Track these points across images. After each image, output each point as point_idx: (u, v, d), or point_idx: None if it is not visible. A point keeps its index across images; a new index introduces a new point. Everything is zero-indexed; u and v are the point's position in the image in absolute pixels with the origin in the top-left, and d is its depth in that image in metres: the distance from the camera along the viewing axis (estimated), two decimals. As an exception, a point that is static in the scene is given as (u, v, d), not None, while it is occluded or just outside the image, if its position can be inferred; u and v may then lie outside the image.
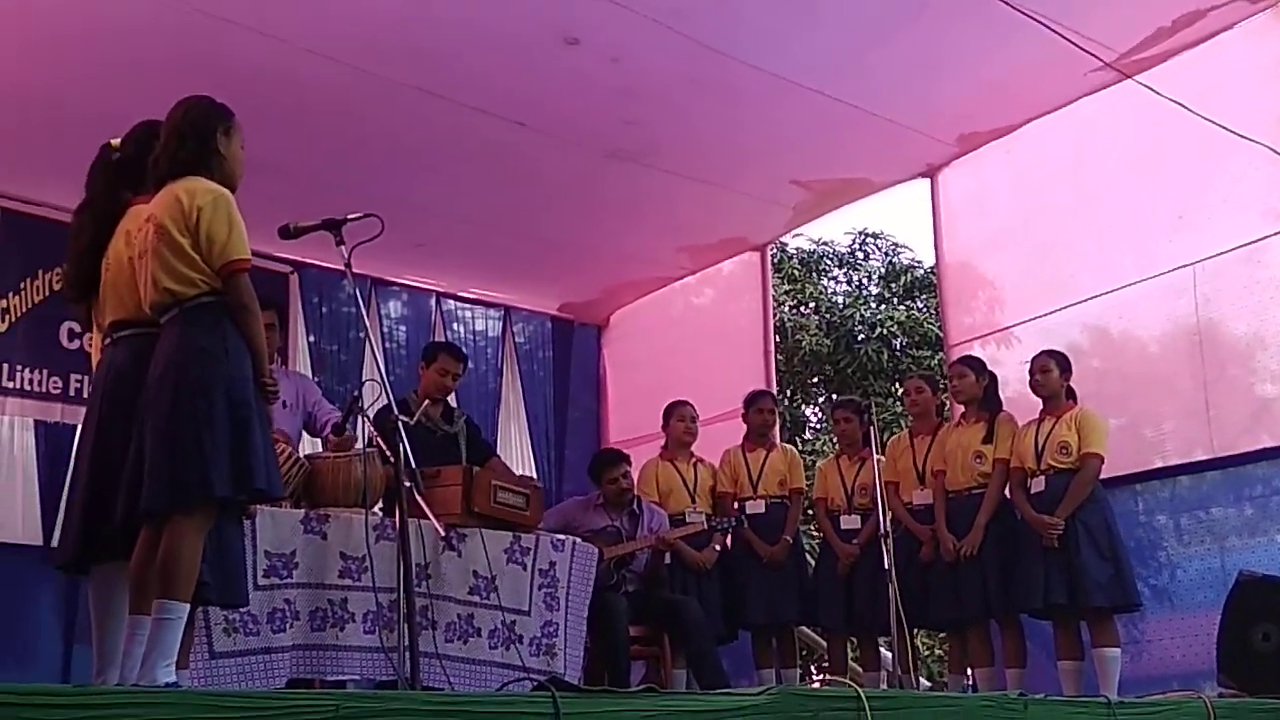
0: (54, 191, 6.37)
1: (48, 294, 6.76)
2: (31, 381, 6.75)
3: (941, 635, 7.26)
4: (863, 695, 3.15)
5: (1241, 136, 5.77)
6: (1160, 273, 6.42)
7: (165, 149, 3.56)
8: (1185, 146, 6.26)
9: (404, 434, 4.00)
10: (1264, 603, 5.08)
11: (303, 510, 4.69)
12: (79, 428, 3.89)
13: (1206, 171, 6.29)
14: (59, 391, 6.80)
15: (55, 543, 4.98)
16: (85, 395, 6.14)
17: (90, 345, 4.10)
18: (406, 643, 3.81)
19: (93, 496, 3.42)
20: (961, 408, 6.36)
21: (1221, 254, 6.18)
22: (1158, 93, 5.90)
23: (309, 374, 7.80)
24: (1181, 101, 5.81)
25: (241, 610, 4.23)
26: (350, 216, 4.05)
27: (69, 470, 4.31)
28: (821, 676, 8.70)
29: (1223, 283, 6.20)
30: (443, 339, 8.37)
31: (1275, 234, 6.01)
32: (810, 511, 6.73)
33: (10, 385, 6.69)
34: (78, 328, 6.68)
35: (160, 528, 3.28)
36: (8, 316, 6.74)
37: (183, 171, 3.51)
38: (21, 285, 6.80)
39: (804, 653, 9.40)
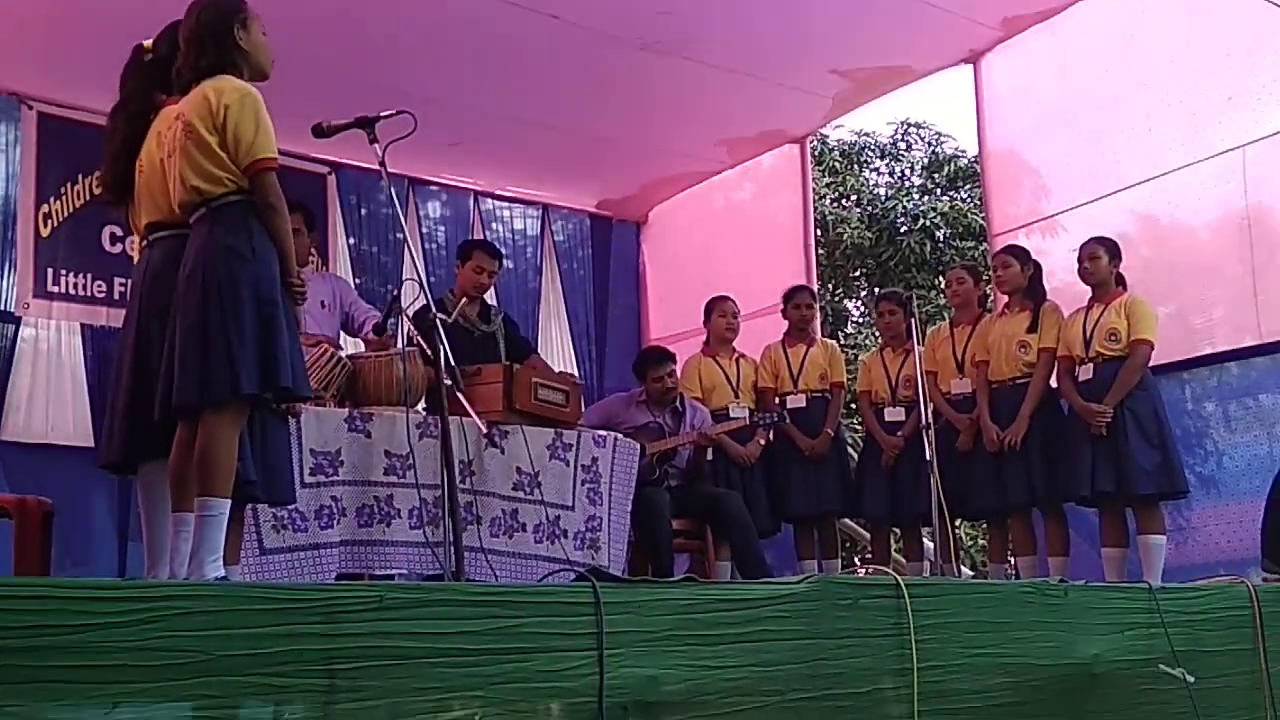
0: (91, 95, 6.34)
1: (88, 198, 6.78)
2: (76, 285, 6.81)
3: (984, 526, 7.25)
4: (902, 583, 3.16)
5: (1295, 11, 5.59)
6: (1209, 156, 6.28)
7: (185, 58, 3.53)
8: (1235, 26, 6.09)
9: (442, 333, 4.00)
10: (1310, 489, 5.04)
11: (346, 409, 4.74)
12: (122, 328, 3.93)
13: (1257, 51, 6.11)
14: (103, 295, 6.86)
15: (105, 443, 5.06)
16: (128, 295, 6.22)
17: (133, 248, 4.13)
18: (451, 538, 3.86)
19: (134, 397, 3.46)
20: (1005, 298, 6.29)
21: (1272, 135, 6.03)
22: (1209, -32, 5.71)
23: (349, 276, 7.84)
24: (1233, -23, 5.62)
25: (289, 507, 4.31)
26: (383, 114, 4.01)
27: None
28: (865, 567, 8.75)
29: (1273, 166, 6.06)
30: (481, 237, 8.36)
31: (1329, 114, 5.85)
32: (853, 404, 6.71)
33: (55, 290, 6.75)
34: (120, 231, 6.72)
35: (195, 426, 3.32)
36: (50, 221, 6.78)
37: (206, 75, 3.49)
38: (62, 190, 6.82)
39: (846, 544, 9.48)
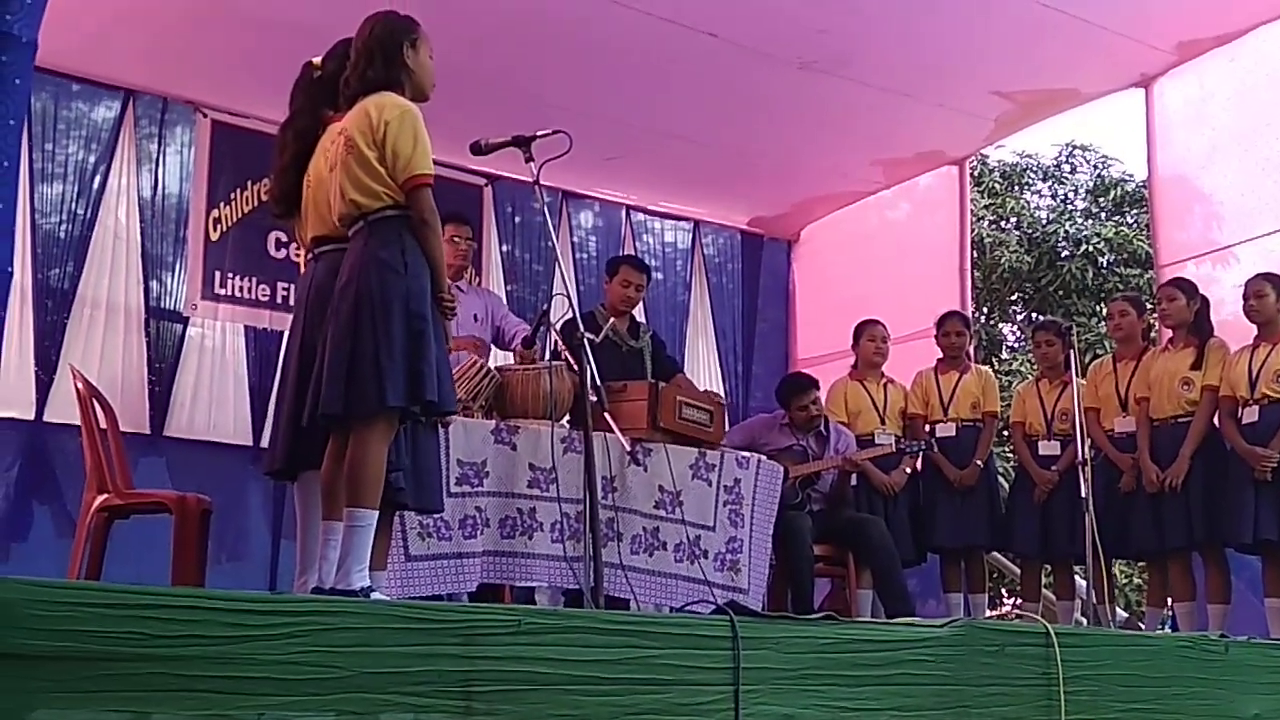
0: (262, 105, 6.60)
1: (256, 204, 7.00)
2: (241, 289, 7.03)
3: (1140, 565, 7.00)
4: (1052, 631, 3.06)
5: None
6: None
7: (354, 69, 3.62)
8: None
9: (589, 349, 4.02)
10: None
11: (494, 421, 4.79)
12: (284, 339, 4.03)
13: None
14: (267, 299, 7.08)
15: (264, 443, 5.21)
16: (291, 303, 6.40)
17: (298, 256, 4.24)
18: (591, 554, 3.87)
19: (296, 407, 3.54)
20: (1170, 331, 6.06)
21: None
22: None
23: (502, 283, 7.97)
24: None
25: (436, 516, 4.36)
26: (539, 134, 4.06)
27: (276, 377, 4.49)
28: (1014, 601, 8.53)
29: None
30: (632, 251, 8.39)
31: None
32: (1006, 434, 6.54)
33: (222, 292, 6.98)
34: (285, 237, 6.93)
35: (346, 437, 3.38)
36: (219, 226, 7.03)
37: (373, 89, 3.56)
38: (232, 195, 7.07)
39: (994, 576, 9.24)
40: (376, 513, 3.36)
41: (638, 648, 2.48)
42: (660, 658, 2.50)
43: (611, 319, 5.79)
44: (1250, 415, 5.47)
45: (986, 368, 6.93)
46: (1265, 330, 5.55)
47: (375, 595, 3.23)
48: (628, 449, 4.72)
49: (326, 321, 3.49)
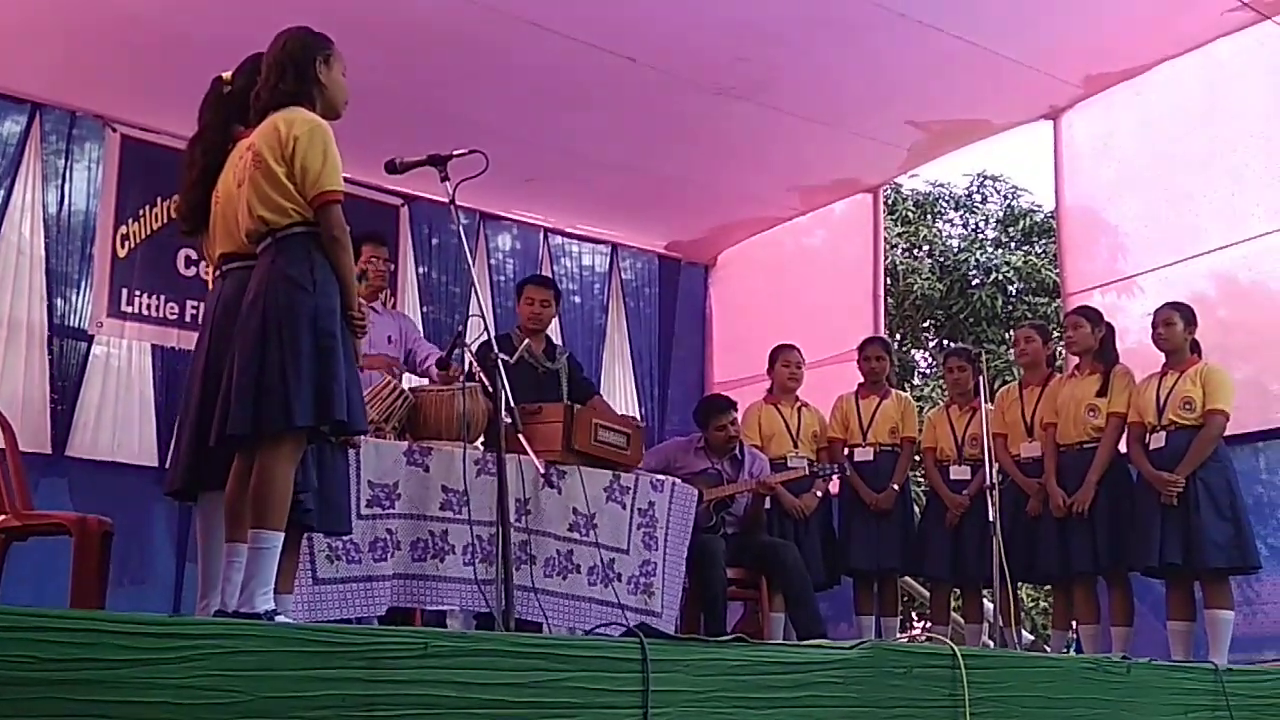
0: (172, 120, 6.46)
1: (166, 221, 6.89)
2: (149, 307, 6.91)
3: (1046, 588, 7.12)
4: (959, 653, 3.08)
5: (1389, 81, 5.46)
6: (1293, 223, 6.14)
7: (265, 83, 3.57)
8: (1325, 91, 5.95)
9: (503, 371, 4.00)
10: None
11: (406, 442, 4.74)
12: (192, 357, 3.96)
13: (1348, 118, 5.98)
14: (175, 317, 6.96)
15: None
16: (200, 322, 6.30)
17: (208, 274, 4.17)
18: (502, 577, 3.83)
19: (199, 426, 3.48)
20: (1076, 359, 6.18)
21: (1360, 205, 5.90)
22: (1300, 33, 5.60)
23: (418, 305, 7.91)
24: (1324, 43, 5.51)
25: (345, 538, 4.30)
26: (455, 153, 4.03)
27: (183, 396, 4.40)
28: (924, 624, 8.62)
29: (1360, 235, 5.92)
30: (550, 274, 8.39)
31: None
32: (918, 459, 6.63)
33: (129, 310, 6.86)
34: (194, 255, 6.83)
35: (252, 457, 3.32)
36: (127, 243, 6.90)
37: (284, 103, 3.52)
38: (141, 212, 6.95)
39: (905, 599, 9.33)
40: (282, 535, 3.30)
41: (546, 670, 2.45)
42: (569, 680, 2.48)
43: (526, 340, 5.77)
44: (1157, 441, 5.58)
45: (906, 394, 7.00)
46: (1173, 359, 5.67)
47: (280, 619, 3.17)
48: (541, 471, 4.71)
49: (233, 339, 3.43)
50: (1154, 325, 5.72)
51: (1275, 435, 6.17)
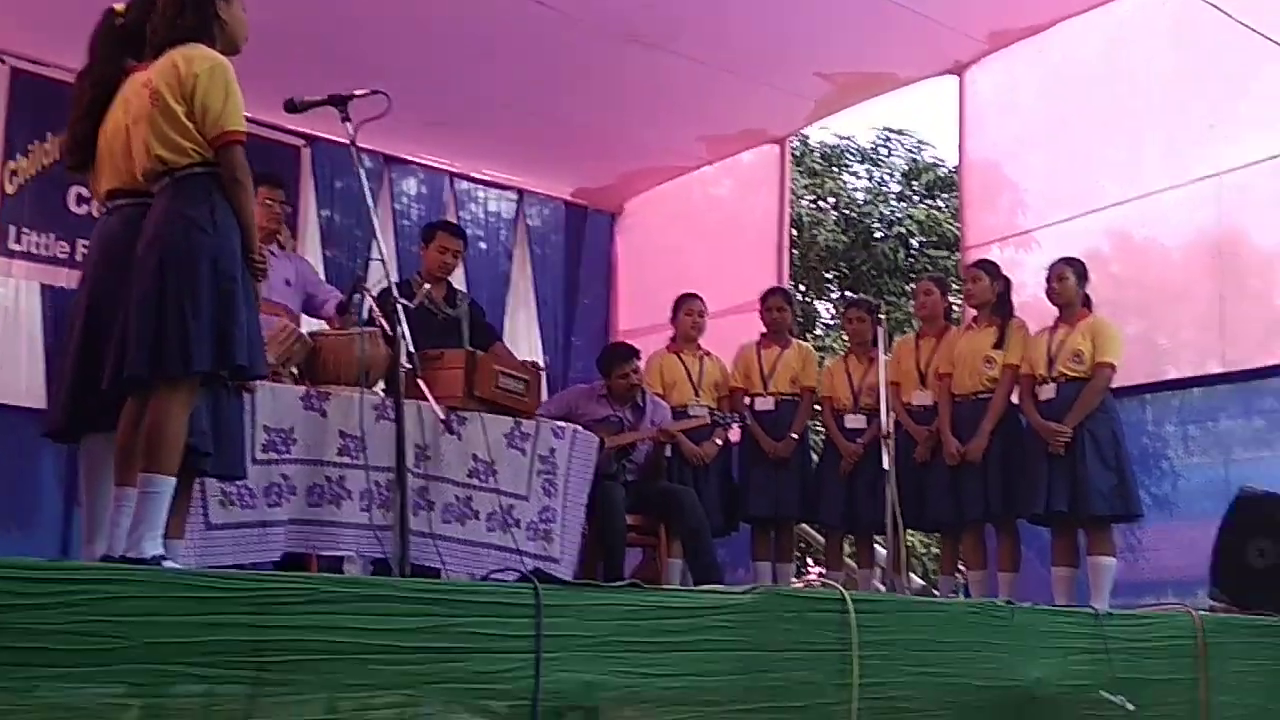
0: (65, 53, 6.21)
1: (57, 157, 6.65)
2: (38, 245, 6.71)
3: (937, 535, 7.28)
4: (848, 597, 3.15)
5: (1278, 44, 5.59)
6: (1187, 182, 6.30)
7: (164, 16, 3.47)
8: (1221, 54, 6.09)
9: (404, 317, 3.96)
10: (1262, 518, 5.07)
11: (304, 387, 4.68)
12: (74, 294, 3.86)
13: (1241, 81, 6.13)
14: (65, 256, 6.76)
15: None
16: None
17: (98, 212, 4.06)
18: (399, 523, 3.82)
19: (81, 366, 3.41)
20: (974, 311, 6.29)
21: (1250, 165, 6.06)
22: (1196, -6, 5.71)
23: (319, 248, 7.79)
24: (1220, 6, 5.61)
25: (239, 483, 4.25)
26: (357, 93, 3.96)
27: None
28: (818, 570, 8.76)
29: (1249, 195, 6.10)
30: (455, 219, 8.30)
31: (1306, 147, 5.88)
32: (817, 408, 6.71)
33: (17, 248, 6.66)
34: (86, 192, 6.61)
35: (145, 399, 3.26)
36: (16, 179, 6.68)
37: (182, 38, 3.43)
38: (30, 148, 6.73)
39: (803, 545, 9.48)
40: (174, 479, 3.25)
41: (438, 616, 2.46)
42: (461, 626, 2.48)
43: (427, 286, 5.71)
44: (1047, 393, 5.70)
45: (807, 344, 7.06)
46: (1065, 312, 5.79)
47: (169, 564, 3.12)
48: (441, 417, 4.67)
49: (122, 279, 3.35)
50: (1048, 279, 5.84)
51: (1162, 388, 6.36)
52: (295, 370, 4.77)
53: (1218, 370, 6.19)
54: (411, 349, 4.02)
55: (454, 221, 6.34)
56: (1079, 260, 5.86)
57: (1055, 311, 5.85)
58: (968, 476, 5.84)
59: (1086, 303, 5.80)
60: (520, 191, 8.97)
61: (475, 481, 4.99)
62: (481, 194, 8.84)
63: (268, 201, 5.49)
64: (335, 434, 4.66)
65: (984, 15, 6.83)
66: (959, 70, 7.40)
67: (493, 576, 3.04)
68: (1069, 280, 5.76)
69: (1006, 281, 6.16)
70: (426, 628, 2.43)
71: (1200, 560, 5.52)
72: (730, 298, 7.62)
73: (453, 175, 8.64)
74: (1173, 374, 6.39)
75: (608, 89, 7.41)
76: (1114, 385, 5.67)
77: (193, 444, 3.38)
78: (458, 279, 6.30)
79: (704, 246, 8.64)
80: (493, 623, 2.52)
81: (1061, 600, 5.51)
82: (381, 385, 4.89)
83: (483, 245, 8.64)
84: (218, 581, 2.26)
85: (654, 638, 2.79)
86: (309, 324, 5.84)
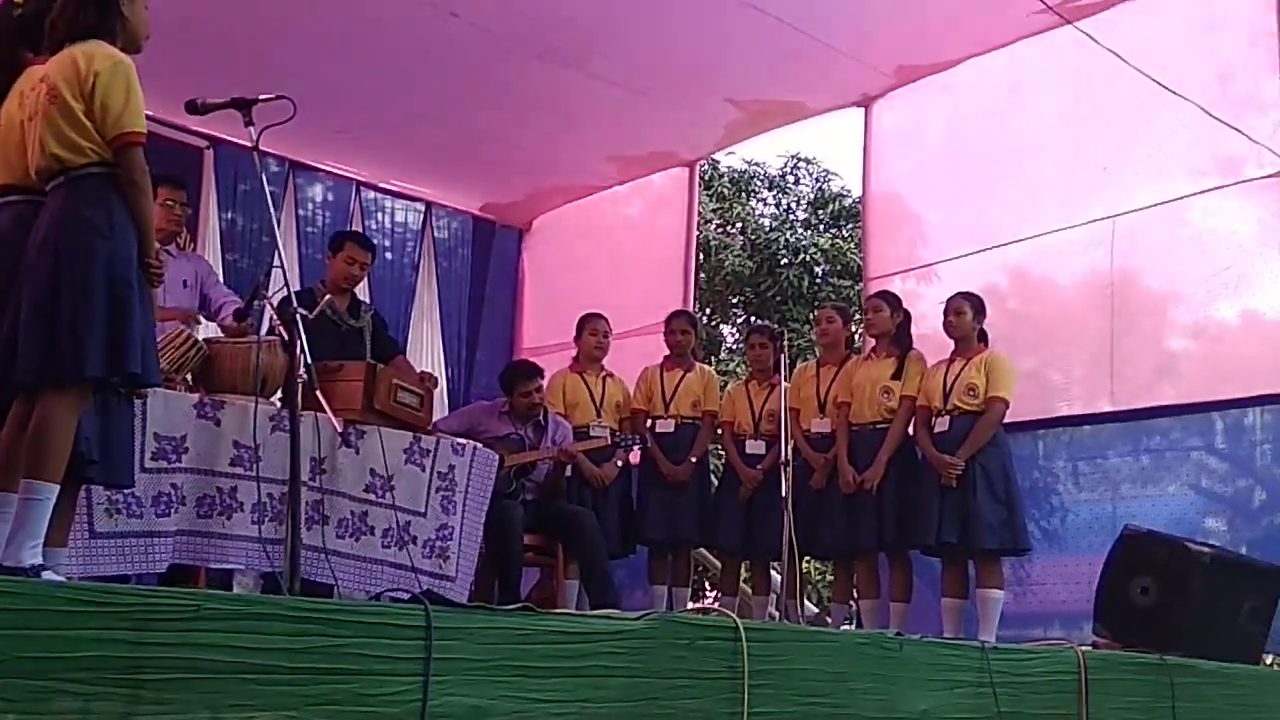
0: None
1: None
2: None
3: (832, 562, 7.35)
4: (741, 626, 3.15)
5: (1173, 93, 5.77)
6: (1082, 223, 6.47)
7: (63, 11, 3.38)
8: (1117, 99, 6.28)
9: (302, 327, 3.90)
10: (1145, 557, 5.18)
11: (197, 395, 4.58)
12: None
13: (1136, 126, 6.33)
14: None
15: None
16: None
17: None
18: (290, 537, 3.74)
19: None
20: (873, 341, 6.37)
21: (1142, 209, 6.24)
22: (1096, 41, 5.87)
23: (219, 251, 7.65)
24: (1118, 53, 5.79)
25: (126, 491, 4.14)
26: (261, 97, 3.89)
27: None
28: (715, 594, 8.80)
29: (1141, 238, 6.28)
30: (361, 228, 8.21)
31: (1196, 194, 6.07)
32: (719, 432, 6.74)
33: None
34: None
35: (32, 402, 3.17)
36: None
37: (83, 35, 3.35)
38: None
39: (700, 569, 9.51)
40: (57, 487, 3.16)
41: (325, 636, 2.40)
42: (349, 646, 2.43)
43: (328, 296, 5.63)
44: (942, 425, 5.80)
45: (710, 368, 7.10)
46: (961, 345, 5.90)
47: (48, 574, 3.03)
48: (339, 430, 4.60)
49: (19, 281, 3.25)
50: (945, 313, 5.95)
51: (1054, 424, 6.50)
52: (190, 377, 4.66)
53: (1107, 408, 6.35)
54: (309, 359, 3.96)
55: (363, 233, 6.25)
56: (976, 295, 5.97)
57: (952, 344, 5.95)
58: (863, 506, 5.91)
59: (982, 337, 5.91)
60: (428, 203, 8.92)
61: (372, 497, 4.92)
62: (389, 204, 8.78)
63: (168, 202, 5.37)
64: (229, 444, 4.56)
65: (892, 51, 6.96)
66: (866, 103, 7.53)
67: (385, 596, 2.99)
68: (966, 315, 5.87)
69: (906, 313, 6.26)
70: (312, 648, 2.38)
71: (1087, 594, 5.64)
72: (636, 319, 7.64)
73: (360, 184, 8.56)
74: (1065, 410, 6.53)
75: (521, 105, 7.39)
76: (1007, 420, 5.79)
77: (79, 450, 3.29)
78: (361, 289, 6.22)
79: (611, 266, 8.66)
80: (381, 644, 2.47)
81: (951, 631, 5.60)
82: (279, 396, 4.81)
83: (389, 255, 8.58)
84: (96, 595, 2.19)
85: (545, 663, 2.76)
86: (206, 330, 5.73)
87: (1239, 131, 5.78)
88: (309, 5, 6.23)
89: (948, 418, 5.77)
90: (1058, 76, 6.65)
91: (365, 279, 6.32)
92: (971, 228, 6.98)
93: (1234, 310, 5.94)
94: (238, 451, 4.58)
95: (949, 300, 5.99)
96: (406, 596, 2.90)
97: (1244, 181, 5.92)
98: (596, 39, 6.69)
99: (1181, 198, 6.12)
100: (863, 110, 7.56)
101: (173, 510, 4.43)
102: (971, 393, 5.72)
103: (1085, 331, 6.47)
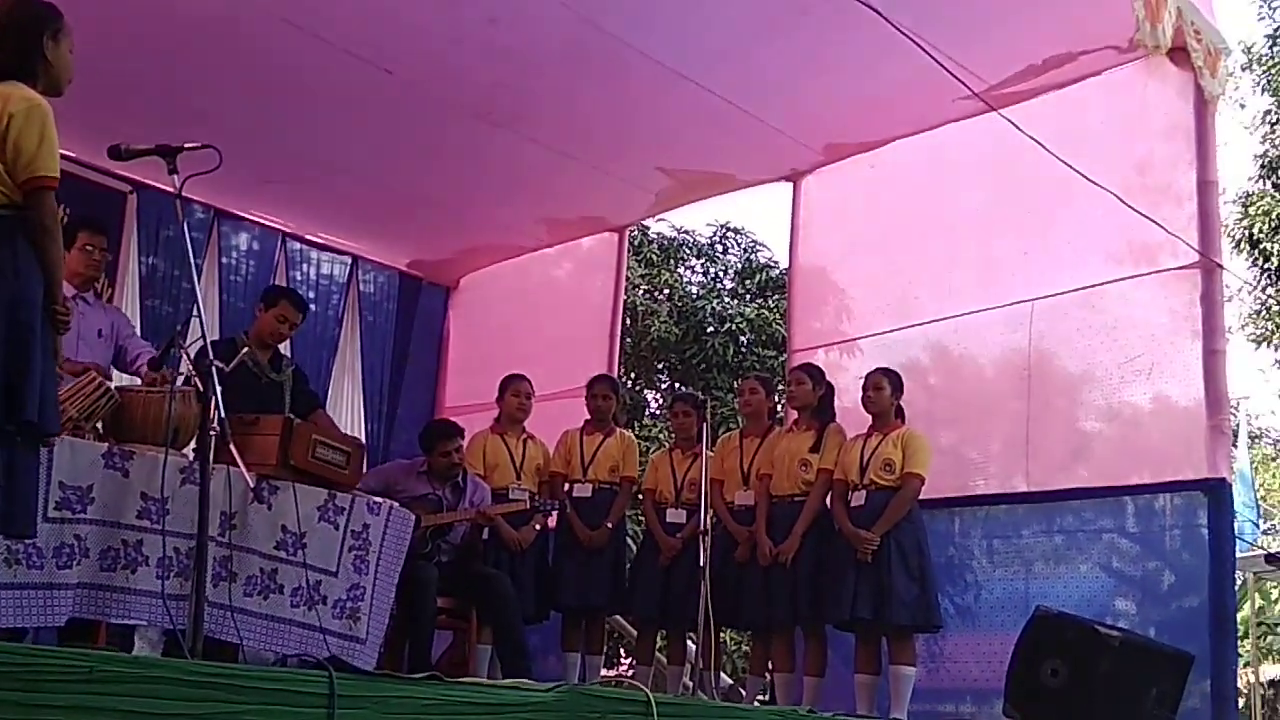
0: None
1: None
2: None
3: (748, 633, 7.34)
4: (652, 700, 3.12)
5: (1092, 182, 5.91)
6: (1000, 305, 6.57)
7: None
8: (1038, 185, 6.41)
9: (217, 380, 3.83)
10: (1056, 639, 5.22)
11: (106, 444, 4.47)
12: None
13: (1055, 212, 6.46)
14: None
15: None
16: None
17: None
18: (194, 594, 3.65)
19: None
20: (795, 413, 6.40)
21: (1060, 294, 6.36)
22: (1019, 128, 6.00)
23: (138, 297, 7.53)
24: (1040, 140, 5.92)
25: (27, 541, 4.02)
26: (186, 146, 3.86)
27: None
28: (630, 661, 8.73)
29: (1057, 321, 6.39)
30: (285, 280, 8.14)
31: (1112, 281, 6.20)
32: (640, 496, 6.72)
33: None
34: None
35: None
36: None
37: (1, 75, 3.29)
38: None
39: (615, 636, 9.43)
40: (-50, 535, 3.06)
41: (224, 702, 2.34)
42: (248, 714, 2.37)
43: (247, 349, 5.55)
44: (858, 500, 5.83)
45: (629, 433, 7.09)
46: (879, 421, 5.95)
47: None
48: (251, 485, 4.51)
49: None
50: (864, 388, 6.01)
51: (969, 502, 6.55)
52: (100, 426, 4.56)
53: (1023, 487, 6.41)
54: (224, 411, 3.89)
55: (299, 294, 6.17)
56: (894, 371, 6.05)
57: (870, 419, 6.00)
58: (779, 579, 5.90)
59: (900, 413, 5.97)
60: (355, 257, 8.88)
61: (283, 554, 4.81)
62: (315, 256, 8.72)
63: (88, 247, 5.29)
64: (136, 495, 4.44)
65: (821, 128, 7.07)
66: (795, 178, 7.63)
67: (290, 660, 2.92)
68: (884, 390, 5.93)
69: (829, 386, 6.30)
70: (211, 714, 2.32)
71: (999, 671, 5.65)
72: (560, 381, 7.62)
73: (286, 235, 8.49)
74: (981, 486, 6.58)
75: (452, 163, 7.40)
76: (923, 496, 5.84)
77: (-23, 499, 3.19)
78: (284, 343, 6.13)
79: (537, 327, 8.64)
80: (283, 713, 2.41)
81: (863, 707, 5.60)
82: (192, 447, 4.71)
83: (313, 308, 8.48)
84: (-15, 654, 2.12)
85: (452, 732, 2.72)
86: (119, 379, 5.61)
87: (1154, 222, 5.93)
88: (241, 55, 6.18)
89: (864, 492, 5.81)
90: (981, 160, 6.78)
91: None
92: (895, 304, 7.06)
93: (1146, 396, 6.05)
94: (145, 504, 4.46)
95: (867, 375, 6.05)
96: (313, 661, 2.84)
97: (1159, 271, 6.06)
98: (531, 102, 6.72)
99: (1098, 284, 6.25)
100: (791, 184, 7.66)
101: (75, 562, 4.29)
102: (888, 468, 5.76)
103: (1003, 410, 6.55)
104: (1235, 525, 6.38)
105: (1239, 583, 10.76)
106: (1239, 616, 8.98)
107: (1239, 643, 8.71)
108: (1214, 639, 5.55)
